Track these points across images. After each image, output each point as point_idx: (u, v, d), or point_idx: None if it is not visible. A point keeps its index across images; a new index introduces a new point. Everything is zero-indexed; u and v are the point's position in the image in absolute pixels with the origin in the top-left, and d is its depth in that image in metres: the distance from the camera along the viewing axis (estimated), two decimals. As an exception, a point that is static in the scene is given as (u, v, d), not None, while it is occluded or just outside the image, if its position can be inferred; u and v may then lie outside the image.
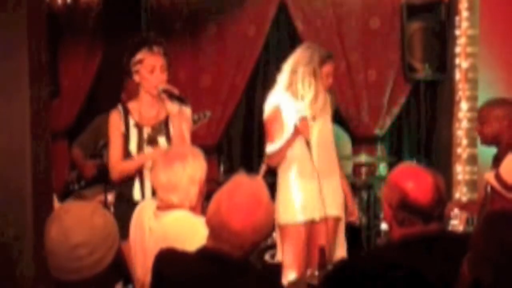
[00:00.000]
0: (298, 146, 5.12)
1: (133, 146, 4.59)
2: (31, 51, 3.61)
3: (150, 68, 4.57)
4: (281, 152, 5.07)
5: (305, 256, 5.15)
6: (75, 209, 2.65)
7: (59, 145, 7.54)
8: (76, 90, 7.78)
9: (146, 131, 4.61)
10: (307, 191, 5.10)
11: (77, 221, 2.58)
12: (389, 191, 3.02)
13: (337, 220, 5.22)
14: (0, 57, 3.60)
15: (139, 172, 4.54)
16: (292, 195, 5.10)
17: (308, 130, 4.98)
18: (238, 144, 7.95)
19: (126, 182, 4.57)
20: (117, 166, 4.59)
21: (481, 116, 5.10)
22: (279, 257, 5.24)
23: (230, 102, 7.70)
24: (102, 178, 5.92)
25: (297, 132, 5.00)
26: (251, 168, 6.99)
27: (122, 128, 4.60)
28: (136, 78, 4.62)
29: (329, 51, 5.24)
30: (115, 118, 4.64)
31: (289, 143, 5.04)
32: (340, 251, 5.27)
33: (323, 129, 5.19)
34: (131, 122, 4.61)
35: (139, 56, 4.59)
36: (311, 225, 5.15)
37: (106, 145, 5.80)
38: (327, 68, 5.11)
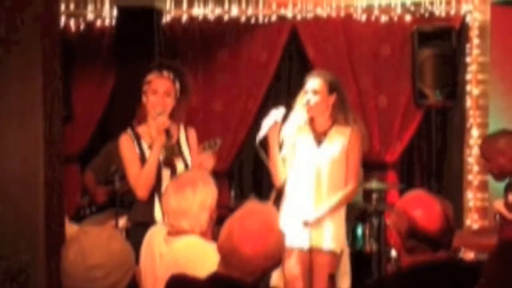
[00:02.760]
0: (305, 171, 5.15)
1: None
2: (45, 77, 3.64)
3: (153, 90, 4.63)
4: (271, 167, 5.20)
5: (304, 284, 5.15)
6: (94, 232, 2.70)
7: (71, 170, 7.57)
8: (89, 116, 7.83)
9: (161, 154, 4.63)
10: (307, 217, 5.13)
11: (95, 243, 2.63)
12: (398, 219, 3.02)
13: (334, 254, 5.20)
14: (15, 83, 3.63)
15: (158, 193, 4.54)
16: (290, 220, 5.12)
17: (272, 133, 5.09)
18: (249, 170, 7.96)
19: (143, 205, 4.58)
20: (137, 183, 4.59)
21: (484, 153, 5.04)
22: (274, 281, 5.27)
23: (242, 127, 7.72)
24: (113, 203, 5.94)
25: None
26: (262, 194, 7.00)
27: (137, 151, 4.62)
28: (144, 99, 4.68)
29: (321, 72, 5.33)
30: (128, 141, 4.65)
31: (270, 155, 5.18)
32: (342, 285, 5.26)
33: (330, 161, 5.18)
34: (145, 146, 4.63)
35: (148, 77, 4.66)
36: (310, 255, 5.16)
37: (118, 170, 5.82)
38: (308, 84, 5.18)
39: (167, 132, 4.59)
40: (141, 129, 4.71)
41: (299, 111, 5.21)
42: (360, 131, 5.29)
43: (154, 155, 4.57)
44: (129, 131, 4.70)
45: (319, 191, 5.16)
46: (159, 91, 4.62)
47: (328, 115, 5.22)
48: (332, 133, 5.22)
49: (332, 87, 5.17)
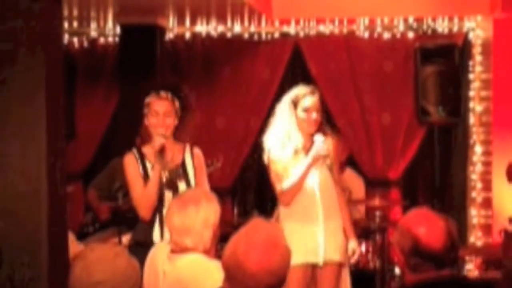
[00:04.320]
0: (303, 190, 5.13)
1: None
2: (49, 95, 3.65)
3: (154, 112, 4.65)
4: (292, 190, 5.11)
5: None
6: (100, 249, 2.78)
7: (74, 187, 7.57)
8: (92, 133, 7.84)
9: (164, 175, 4.65)
10: (308, 234, 5.10)
11: (100, 260, 2.69)
12: (401, 237, 3.02)
13: (339, 265, 5.18)
14: (18, 101, 3.64)
15: (160, 214, 4.56)
16: (294, 237, 5.08)
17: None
18: (252, 187, 7.96)
19: (145, 226, 4.59)
20: (138, 202, 4.62)
21: (508, 172, 5.25)
22: None
23: (245, 144, 7.73)
24: (116, 220, 5.94)
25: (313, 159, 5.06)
26: (265, 211, 6.99)
27: (141, 171, 4.64)
28: (145, 121, 4.71)
29: (312, 89, 5.25)
30: (132, 161, 4.67)
31: (300, 180, 5.09)
32: None
33: (321, 173, 5.18)
34: (149, 166, 4.65)
35: (147, 99, 4.68)
36: (313, 270, 5.14)
37: (121, 187, 5.84)
38: (308, 101, 5.12)
39: (161, 151, 4.60)
40: (145, 149, 4.72)
41: (294, 134, 5.17)
42: (336, 141, 5.29)
43: (154, 177, 4.60)
44: (134, 150, 4.73)
45: (319, 207, 5.15)
46: (160, 112, 4.65)
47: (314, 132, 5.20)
48: None
49: (321, 103, 5.20)
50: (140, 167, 4.65)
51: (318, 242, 5.11)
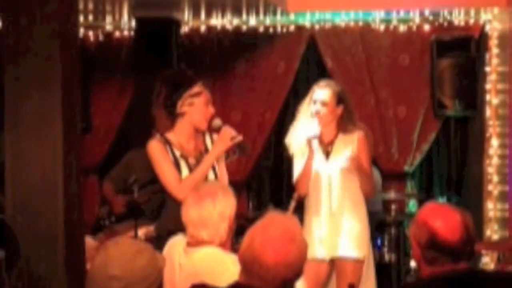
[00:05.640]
0: (316, 183, 5.16)
1: (186, 176, 4.52)
2: (65, 89, 3.67)
3: (206, 101, 4.59)
4: (301, 177, 5.19)
5: None
6: (123, 244, 2.75)
7: (90, 180, 7.60)
8: (107, 127, 7.86)
9: (192, 163, 4.59)
10: (323, 228, 5.11)
11: (120, 255, 2.67)
12: (418, 230, 3.00)
13: (357, 262, 5.15)
14: (34, 96, 3.66)
15: None
16: (311, 230, 5.11)
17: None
18: (267, 180, 7.96)
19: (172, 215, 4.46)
20: (183, 185, 4.41)
21: None
22: None
23: (260, 138, 7.72)
24: (132, 213, 5.94)
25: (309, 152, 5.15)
26: (280, 204, 6.99)
27: (170, 157, 4.52)
28: (187, 110, 4.55)
29: (330, 81, 5.39)
30: (159, 146, 4.50)
31: (306, 165, 5.16)
32: None
33: (339, 170, 5.18)
34: (177, 153, 4.54)
35: (196, 89, 4.57)
36: (332, 264, 5.14)
37: (136, 180, 5.84)
38: (316, 94, 5.21)
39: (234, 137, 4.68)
40: (170, 136, 4.58)
41: (309, 122, 5.19)
42: (367, 136, 5.29)
43: (211, 159, 4.55)
44: (158, 136, 4.56)
45: (332, 201, 5.16)
46: (210, 101, 4.63)
47: (334, 125, 5.23)
48: (338, 143, 5.23)
49: (340, 98, 5.21)
50: (170, 153, 4.52)
51: (321, 237, 5.12)
